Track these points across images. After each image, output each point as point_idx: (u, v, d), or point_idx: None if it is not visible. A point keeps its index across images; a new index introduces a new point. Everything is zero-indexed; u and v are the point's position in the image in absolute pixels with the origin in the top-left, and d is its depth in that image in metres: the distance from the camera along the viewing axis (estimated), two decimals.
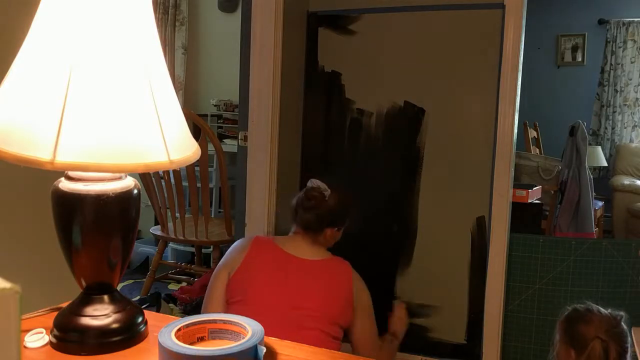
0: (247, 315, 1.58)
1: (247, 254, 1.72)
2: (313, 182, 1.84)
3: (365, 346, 1.79)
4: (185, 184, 2.96)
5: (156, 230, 3.07)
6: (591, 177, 3.29)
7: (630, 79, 5.42)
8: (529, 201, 2.82)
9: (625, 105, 5.46)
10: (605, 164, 5.31)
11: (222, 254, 3.15)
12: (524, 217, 2.63)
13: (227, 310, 1.66)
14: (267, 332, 1.20)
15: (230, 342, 0.83)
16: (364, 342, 1.79)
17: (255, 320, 1.52)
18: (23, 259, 1.39)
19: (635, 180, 4.95)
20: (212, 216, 3.83)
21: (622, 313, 1.49)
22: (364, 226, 2.50)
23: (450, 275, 2.39)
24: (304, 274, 1.69)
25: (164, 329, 0.80)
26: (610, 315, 1.48)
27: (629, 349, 1.46)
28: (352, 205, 1.90)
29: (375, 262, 2.50)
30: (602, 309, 1.52)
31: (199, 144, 0.93)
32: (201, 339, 0.85)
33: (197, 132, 2.59)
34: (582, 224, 3.13)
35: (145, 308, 1.89)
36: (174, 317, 0.97)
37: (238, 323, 0.85)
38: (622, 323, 1.48)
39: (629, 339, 1.47)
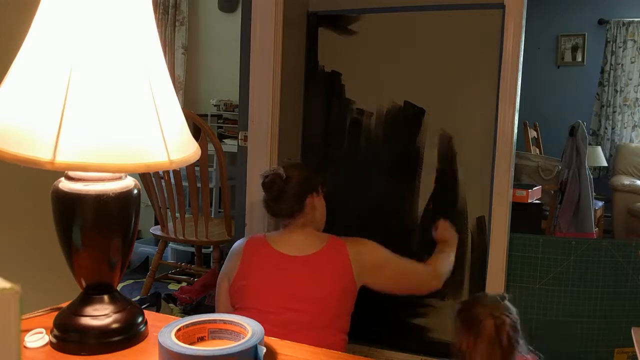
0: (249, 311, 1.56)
1: (242, 260, 1.69)
2: (264, 173, 1.77)
3: (398, 285, 1.77)
4: (185, 184, 2.96)
5: (156, 230, 3.07)
6: (591, 177, 3.29)
7: (630, 79, 5.42)
8: (529, 201, 2.82)
9: (625, 105, 5.46)
10: (605, 164, 5.31)
11: (222, 254, 3.16)
12: (524, 217, 2.63)
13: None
14: (270, 336, 1.21)
15: (230, 342, 0.83)
16: (398, 286, 1.76)
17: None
18: (23, 259, 1.39)
19: (636, 180, 4.95)
20: (212, 216, 3.83)
21: (505, 294, 1.58)
22: (364, 226, 2.50)
23: (450, 275, 2.39)
24: (296, 273, 1.65)
25: (164, 329, 0.80)
26: (496, 296, 1.55)
27: (518, 328, 1.52)
28: (314, 169, 1.84)
29: None
30: (490, 294, 1.63)
31: (199, 144, 0.93)
32: (201, 339, 0.85)
33: (197, 132, 2.59)
34: (582, 224, 3.13)
35: (145, 308, 1.89)
36: (174, 317, 0.97)
37: (238, 323, 0.85)
38: (507, 301, 1.54)
39: (515, 313, 1.53)
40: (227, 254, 1.80)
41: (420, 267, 1.85)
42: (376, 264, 1.74)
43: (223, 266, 1.77)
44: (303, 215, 1.74)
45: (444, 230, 1.98)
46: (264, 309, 1.59)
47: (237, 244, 1.77)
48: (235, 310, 1.67)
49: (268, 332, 1.38)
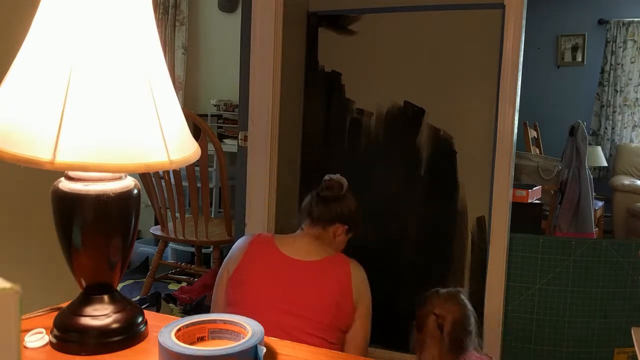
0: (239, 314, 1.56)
1: (245, 254, 1.68)
2: (332, 175, 1.81)
3: (350, 346, 1.69)
4: (185, 184, 2.96)
5: (156, 230, 3.07)
6: (591, 177, 3.28)
7: (630, 79, 5.42)
8: (529, 201, 2.82)
9: (625, 105, 5.46)
10: (605, 164, 5.31)
11: (222, 254, 3.16)
12: (524, 217, 2.63)
13: (227, 310, 1.65)
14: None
15: (230, 342, 0.83)
16: (351, 343, 1.69)
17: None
18: (23, 259, 1.39)
19: (636, 180, 4.95)
20: (212, 216, 3.83)
21: (460, 289, 1.57)
22: (364, 226, 2.51)
23: (450, 275, 2.39)
24: (297, 277, 1.63)
25: (164, 329, 0.80)
26: (446, 293, 1.54)
27: (470, 317, 1.50)
28: (363, 213, 1.85)
29: (375, 261, 2.50)
30: (442, 290, 1.57)
31: (199, 144, 0.93)
32: (201, 339, 0.85)
33: (197, 132, 2.59)
34: (582, 224, 3.13)
35: (145, 308, 1.89)
36: (174, 317, 0.97)
37: (238, 323, 0.85)
38: (461, 295, 1.53)
39: (467, 307, 1.52)
40: (227, 254, 1.80)
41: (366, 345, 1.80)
42: (362, 310, 1.70)
43: (226, 258, 1.76)
44: (322, 232, 1.75)
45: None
46: (257, 306, 1.58)
47: (244, 238, 1.77)
48: (229, 304, 1.65)
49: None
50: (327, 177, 1.81)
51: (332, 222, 1.75)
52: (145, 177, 2.87)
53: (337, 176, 1.81)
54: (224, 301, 1.69)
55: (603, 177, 5.35)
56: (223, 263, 1.77)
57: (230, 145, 3.89)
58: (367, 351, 1.77)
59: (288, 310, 1.58)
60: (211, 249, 3.12)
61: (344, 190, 1.77)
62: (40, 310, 0.95)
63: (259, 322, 1.53)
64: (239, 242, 1.76)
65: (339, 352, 0.95)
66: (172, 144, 0.82)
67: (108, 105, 0.77)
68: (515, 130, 2.26)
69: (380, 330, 2.50)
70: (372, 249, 2.50)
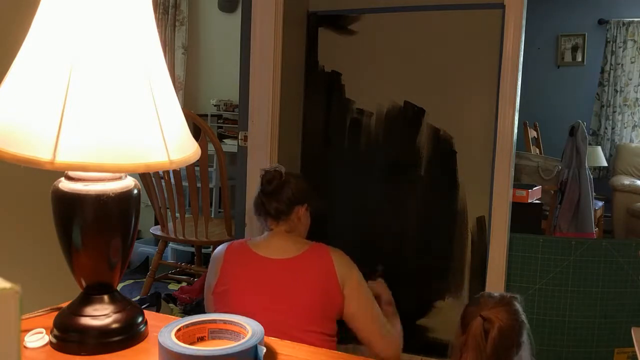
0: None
1: (222, 265, 1.67)
2: (265, 168, 1.79)
3: (360, 323, 1.66)
4: (185, 184, 2.96)
5: (156, 230, 3.07)
6: (591, 177, 3.28)
7: (630, 79, 5.42)
8: (529, 201, 2.82)
9: (625, 105, 5.46)
10: (605, 164, 5.31)
11: None
12: (524, 217, 2.63)
13: None
14: None
15: (230, 342, 0.83)
16: (367, 323, 1.67)
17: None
18: (23, 259, 1.39)
19: (636, 180, 4.95)
20: (212, 216, 3.83)
21: (516, 295, 1.46)
22: (363, 225, 2.51)
23: (450, 275, 2.39)
24: (278, 276, 1.63)
25: (164, 329, 0.80)
26: (499, 297, 1.44)
27: (522, 329, 1.41)
28: (309, 184, 1.83)
29: (375, 261, 2.50)
30: (495, 293, 1.47)
31: (199, 144, 0.93)
32: (201, 339, 0.85)
33: (197, 132, 2.59)
34: (582, 224, 3.13)
35: (145, 308, 1.89)
36: (174, 317, 0.97)
37: (238, 323, 0.85)
38: (515, 303, 1.43)
39: (520, 317, 1.42)
40: None
41: (389, 327, 1.76)
42: (356, 288, 1.68)
43: (206, 278, 1.75)
44: (288, 222, 1.73)
45: (378, 288, 1.87)
46: (246, 312, 1.57)
47: (218, 250, 1.75)
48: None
49: None
50: (261, 171, 1.78)
51: (290, 209, 1.73)
52: (145, 177, 2.87)
53: (271, 167, 1.79)
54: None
55: (603, 177, 5.35)
56: (205, 284, 1.75)
57: (230, 145, 3.89)
58: (383, 317, 1.72)
59: (278, 310, 1.58)
60: (211, 249, 3.11)
61: (284, 176, 1.74)
62: (40, 310, 0.95)
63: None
64: (214, 256, 1.74)
65: (339, 352, 0.95)
66: (172, 144, 0.82)
67: (108, 105, 0.77)
68: (515, 130, 2.26)
69: None
70: (371, 249, 2.50)
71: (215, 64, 4.48)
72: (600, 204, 4.35)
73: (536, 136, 4.41)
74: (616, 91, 5.46)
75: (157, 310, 2.83)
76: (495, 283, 2.28)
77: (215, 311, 1.67)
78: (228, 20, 4.36)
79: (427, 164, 2.40)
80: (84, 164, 0.74)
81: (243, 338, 0.81)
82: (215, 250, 1.76)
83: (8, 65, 0.80)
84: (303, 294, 1.61)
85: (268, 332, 1.46)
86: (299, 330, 1.56)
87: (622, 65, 5.42)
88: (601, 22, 5.47)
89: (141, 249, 3.98)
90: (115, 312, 0.87)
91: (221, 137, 4.24)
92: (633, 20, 5.35)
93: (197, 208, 2.92)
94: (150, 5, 0.84)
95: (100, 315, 0.86)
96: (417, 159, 2.41)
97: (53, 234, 0.85)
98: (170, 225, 2.97)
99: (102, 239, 0.85)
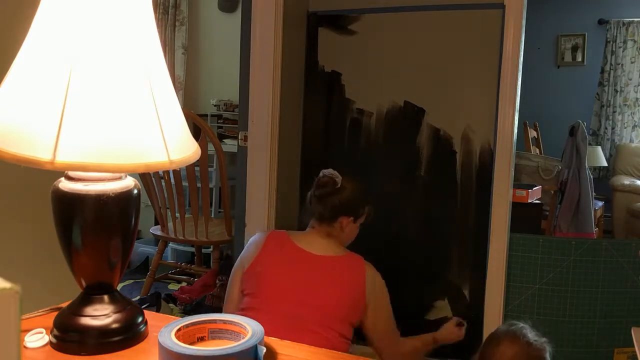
0: (256, 308, 1.57)
1: (262, 249, 1.72)
2: (324, 172, 1.82)
3: (379, 334, 1.75)
4: (185, 184, 2.96)
5: (156, 230, 3.07)
6: (591, 177, 3.28)
7: (630, 79, 5.42)
8: (529, 201, 2.82)
9: (625, 105, 5.46)
10: (605, 164, 5.31)
11: (222, 254, 3.16)
12: (524, 217, 2.63)
13: (242, 301, 1.68)
14: (274, 327, 1.23)
15: (230, 342, 0.83)
16: (378, 331, 1.75)
17: (264, 314, 1.50)
18: (23, 259, 1.39)
19: (636, 180, 4.95)
20: (212, 216, 3.83)
21: (547, 346, 1.38)
22: (362, 224, 2.50)
23: (450, 275, 2.39)
24: (314, 270, 1.67)
25: (164, 329, 0.80)
26: (526, 344, 1.37)
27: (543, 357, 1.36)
28: (367, 196, 1.86)
29: (375, 261, 2.50)
30: (529, 338, 1.39)
31: (199, 144, 0.93)
32: (201, 339, 0.85)
33: (197, 132, 2.59)
34: (582, 224, 3.13)
35: (145, 308, 1.89)
36: (174, 317, 0.97)
37: (238, 323, 0.85)
38: (543, 353, 1.37)
39: (539, 347, 1.37)
40: (227, 254, 1.81)
41: (400, 339, 1.84)
42: (380, 300, 1.75)
43: (240, 255, 1.79)
44: (329, 227, 1.77)
45: (449, 333, 1.94)
46: (276, 298, 1.62)
47: (259, 234, 1.80)
48: (245, 295, 1.68)
49: (275, 322, 1.43)
50: (320, 174, 1.82)
51: (334, 217, 1.76)
52: (145, 177, 2.87)
53: (329, 171, 1.81)
54: (238, 294, 1.72)
55: (603, 177, 5.35)
56: (237, 260, 1.80)
57: (230, 145, 3.89)
58: (397, 332, 1.81)
59: (305, 301, 1.62)
60: (211, 249, 3.12)
61: (338, 184, 1.77)
62: (40, 310, 0.95)
63: (274, 312, 1.53)
64: (255, 238, 1.79)
65: (339, 352, 0.95)
66: (172, 144, 0.82)
67: (108, 106, 0.77)
68: (515, 130, 2.26)
69: None
70: (371, 248, 2.50)
71: (215, 64, 4.48)
72: (600, 204, 4.35)
73: (536, 136, 4.41)
74: (616, 91, 5.46)
75: (157, 310, 2.84)
76: (495, 283, 2.27)
77: (240, 289, 1.71)
78: (228, 20, 4.36)
79: (427, 164, 2.40)
80: (84, 164, 0.74)
81: (243, 338, 0.81)
82: (256, 235, 1.82)
83: (8, 65, 0.80)
84: (332, 294, 1.65)
85: (288, 325, 1.49)
86: (321, 326, 1.60)
87: (622, 65, 5.42)
88: (601, 22, 5.47)
89: (141, 249, 3.98)
90: (115, 312, 0.87)
91: (221, 137, 4.24)
92: (633, 20, 5.35)
93: (197, 208, 2.92)
94: (150, 6, 0.84)
95: (100, 315, 0.86)
96: (417, 159, 2.41)
97: (53, 234, 0.85)
98: (170, 225, 2.97)
99: (102, 239, 0.85)
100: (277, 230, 1.83)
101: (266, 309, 1.60)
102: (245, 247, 1.80)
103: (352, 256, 1.76)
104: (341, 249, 1.77)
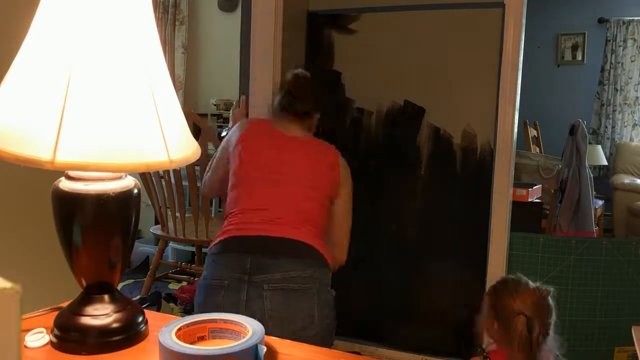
0: (241, 176, 1.72)
1: (246, 129, 1.79)
2: (295, 71, 1.87)
3: (345, 215, 1.81)
4: (185, 183, 2.96)
5: (156, 229, 3.07)
6: (591, 175, 3.28)
7: (631, 78, 5.42)
8: (529, 200, 2.82)
9: (625, 104, 5.45)
10: (606, 163, 5.31)
11: None
12: (524, 216, 2.63)
13: (228, 178, 1.78)
14: (256, 193, 1.57)
15: (231, 341, 0.83)
16: (345, 211, 1.81)
17: (244, 187, 1.67)
18: (23, 259, 1.39)
19: (636, 179, 4.94)
20: (212, 215, 3.83)
21: (551, 288, 1.48)
22: (363, 224, 2.51)
23: (450, 275, 2.39)
24: (295, 149, 1.75)
25: (165, 329, 0.80)
26: (537, 290, 1.46)
27: (551, 325, 1.45)
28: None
29: (375, 261, 2.50)
30: (530, 283, 1.50)
31: (199, 144, 0.93)
32: (201, 339, 0.85)
33: (197, 132, 2.59)
34: (582, 223, 3.13)
35: (145, 307, 1.89)
36: (174, 316, 0.97)
37: (238, 322, 0.85)
38: (549, 298, 1.46)
39: (553, 314, 1.46)
40: None
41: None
42: (345, 195, 1.81)
43: (226, 139, 1.86)
44: (305, 125, 1.83)
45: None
46: (255, 171, 1.71)
47: (244, 120, 1.88)
48: (232, 174, 1.76)
49: (256, 190, 1.65)
50: (290, 74, 1.87)
51: (311, 115, 1.84)
52: (145, 177, 2.87)
53: (300, 71, 1.87)
54: (224, 171, 1.81)
55: (603, 176, 5.35)
56: (222, 142, 1.86)
57: None
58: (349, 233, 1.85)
59: (281, 171, 1.70)
60: None
61: (308, 79, 1.84)
62: (40, 310, 0.95)
63: (253, 183, 1.67)
64: (236, 126, 1.84)
65: (339, 352, 0.95)
66: (172, 143, 0.82)
67: (108, 105, 0.77)
68: (515, 129, 2.26)
69: (383, 330, 2.50)
70: (370, 248, 2.50)
71: (215, 64, 4.48)
72: (601, 202, 4.35)
73: (536, 135, 4.41)
74: (616, 90, 5.45)
75: (158, 310, 2.84)
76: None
77: (225, 169, 1.79)
78: (228, 20, 4.36)
79: (427, 163, 2.40)
80: (84, 163, 0.74)
81: (243, 337, 0.81)
82: (241, 120, 1.89)
83: (8, 65, 0.80)
84: (312, 165, 1.74)
85: (269, 183, 1.66)
86: (302, 194, 1.69)
87: (622, 64, 5.42)
88: (601, 20, 5.47)
89: (141, 248, 3.98)
90: (115, 312, 0.87)
91: (221, 136, 4.24)
92: (633, 19, 5.35)
93: (197, 207, 2.92)
94: (150, 5, 0.84)
95: (101, 314, 0.86)
96: (417, 158, 2.41)
97: (53, 233, 0.85)
98: (170, 224, 2.97)
99: (102, 239, 0.85)
100: (261, 118, 1.91)
101: (247, 181, 1.71)
102: (231, 132, 1.85)
103: (327, 144, 1.84)
104: (315, 138, 1.85)
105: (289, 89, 1.82)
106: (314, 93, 1.83)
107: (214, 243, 1.71)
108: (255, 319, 0.85)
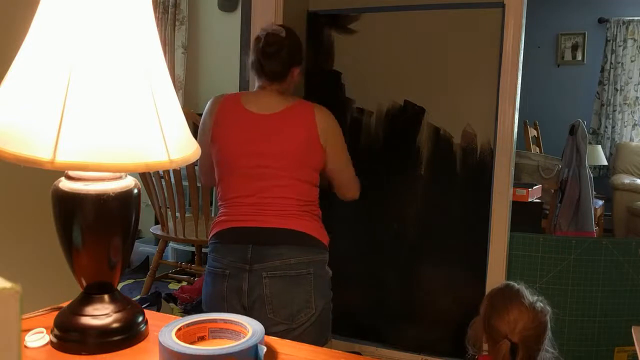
0: (224, 177, 1.74)
1: (216, 115, 1.75)
2: (266, 29, 1.80)
3: (342, 173, 1.83)
4: (185, 183, 2.96)
5: (156, 229, 3.07)
6: (591, 175, 3.28)
7: (631, 78, 5.42)
8: (529, 200, 2.82)
9: (625, 104, 5.46)
10: (606, 163, 5.31)
11: None
12: (524, 216, 2.63)
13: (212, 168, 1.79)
14: (241, 183, 1.55)
15: (231, 341, 0.83)
16: (340, 170, 1.82)
17: (230, 177, 1.68)
18: (23, 259, 1.39)
19: (636, 179, 4.95)
20: (212, 215, 3.83)
21: (548, 309, 1.47)
22: (363, 224, 2.51)
23: (450, 274, 2.39)
24: (266, 128, 1.71)
25: (165, 329, 0.80)
26: (532, 310, 1.44)
27: (543, 343, 1.44)
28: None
29: (375, 261, 2.50)
30: (528, 297, 1.48)
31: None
32: (201, 339, 0.85)
33: (197, 131, 2.59)
34: (582, 223, 3.13)
35: (145, 307, 1.89)
36: (174, 316, 0.97)
37: (238, 322, 0.85)
38: (546, 317, 1.45)
39: (547, 334, 1.45)
40: None
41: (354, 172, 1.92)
42: (336, 144, 1.79)
43: (202, 118, 1.81)
44: (282, 83, 1.78)
45: None
46: (237, 160, 1.70)
47: (216, 99, 1.80)
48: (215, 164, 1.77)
49: (240, 179, 1.67)
50: (262, 32, 1.79)
51: (287, 71, 1.78)
52: (145, 177, 2.87)
53: (271, 27, 1.80)
54: (209, 162, 1.80)
55: (603, 176, 5.35)
56: (200, 127, 1.82)
57: None
58: (352, 176, 1.89)
59: (264, 153, 1.68)
60: None
61: (285, 35, 1.77)
62: (40, 310, 0.95)
63: (238, 171, 1.67)
64: (211, 104, 1.80)
65: (339, 352, 0.94)
66: (172, 143, 0.82)
67: (108, 105, 0.77)
68: (516, 129, 2.26)
69: (382, 329, 2.50)
70: (370, 248, 2.50)
71: (215, 64, 4.48)
72: (601, 202, 4.35)
73: (536, 135, 4.41)
74: (616, 90, 5.46)
75: (158, 310, 2.84)
76: (495, 282, 2.27)
77: (207, 156, 1.79)
78: (228, 20, 4.36)
79: (427, 163, 2.40)
80: (84, 163, 0.74)
81: (243, 337, 0.81)
82: (213, 99, 1.82)
83: (8, 65, 0.80)
84: (287, 143, 1.70)
85: (252, 185, 1.68)
86: (285, 178, 1.68)
87: (622, 64, 5.42)
88: (601, 20, 5.47)
89: (141, 248, 3.98)
90: (115, 312, 0.87)
91: None
92: (633, 19, 5.35)
93: (197, 207, 2.92)
94: (150, 5, 0.84)
95: (101, 314, 0.86)
96: (417, 158, 2.41)
97: (53, 234, 0.85)
98: (170, 224, 2.97)
99: (102, 239, 0.85)
100: (231, 95, 1.82)
101: (230, 172, 1.70)
102: (204, 113, 1.80)
103: (301, 102, 1.78)
104: (290, 99, 1.78)
105: (260, 50, 1.76)
106: (289, 52, 1.76)
107: (213, 232, 1.76)
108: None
